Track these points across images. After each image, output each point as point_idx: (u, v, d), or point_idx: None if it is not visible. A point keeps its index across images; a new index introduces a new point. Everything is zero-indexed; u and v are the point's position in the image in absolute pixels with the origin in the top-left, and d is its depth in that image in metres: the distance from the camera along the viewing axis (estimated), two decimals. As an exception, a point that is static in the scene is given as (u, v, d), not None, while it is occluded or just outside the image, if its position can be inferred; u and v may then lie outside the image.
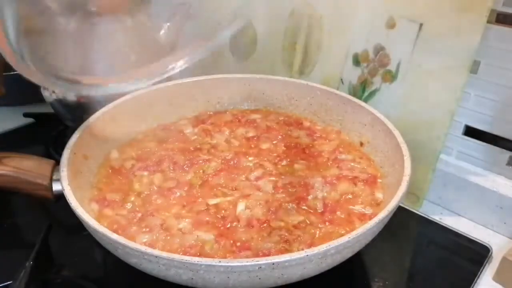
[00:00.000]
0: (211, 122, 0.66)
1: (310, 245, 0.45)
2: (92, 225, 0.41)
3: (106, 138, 0.58)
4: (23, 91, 0.82)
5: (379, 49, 0.62)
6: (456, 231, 0.58)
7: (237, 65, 0.78)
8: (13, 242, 0.58)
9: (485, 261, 0.54)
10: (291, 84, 0.67)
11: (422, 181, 0.60)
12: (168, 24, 0.74)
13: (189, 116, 0.67)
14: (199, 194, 0.52)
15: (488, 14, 0.51)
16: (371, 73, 0.63)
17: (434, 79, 0.57)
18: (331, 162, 0.57)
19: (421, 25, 0.57)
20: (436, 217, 0.61)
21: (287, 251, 0.44)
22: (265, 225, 0.47)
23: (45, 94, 0.71)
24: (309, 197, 0.51)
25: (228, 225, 0.47)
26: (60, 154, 0.50)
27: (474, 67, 0.56)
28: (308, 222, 0.48)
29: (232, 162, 0.57)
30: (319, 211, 0.49)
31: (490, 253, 0.55)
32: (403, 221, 0.60)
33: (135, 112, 0.62)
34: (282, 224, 0.47)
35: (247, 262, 0.37)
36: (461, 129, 0.61)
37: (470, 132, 0.61)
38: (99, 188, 0.53)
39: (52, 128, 0.77)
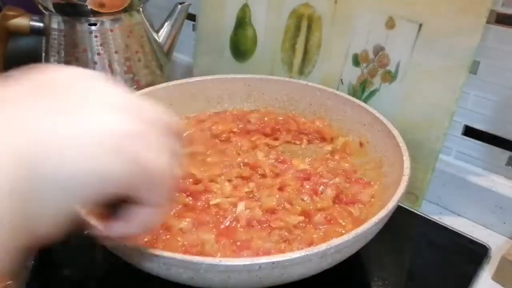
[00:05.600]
0: (211, 122, 0.66)
1: (310, 245, 0.45)
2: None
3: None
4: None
5: (378, 50, 0.62)
6: (455, 230, 0.58)
7: (237, 65, 0.78)
8: (14, 242, 0.58)
9: (484, 261, 0.54)
10: (291, 84, 0.67)
11: (421, 181, 0.60)
12: (168, 23, 0.74)
13: (189, 116, 0.67)
14: (199, 193, 0.52)
15: (487, 14, 0.52)
16: (371, 74, 0.63)
17: (433, 79, 0.57)
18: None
19: (420, 25, 0.57)
20: (435, 217, 0.61)
21: (287, 250, 0.44)
22: (265, 225, 0.47)
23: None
24: (308, 197, 0.51)
25: (227, 223, 0.48)
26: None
27: (474, 67, 0.57)
28: (308, 222, 0.48)
29: (232, 162, 0.57)
30: (319, 210, 0.50)
31: (489, 253, 0.55)
32: (403, 221, 0.60)
33: (135, 112, 0.62)
34: (282, 224, 0.47)
35: (247, 261, 0.37)
36: (461, 129, 0.61)
37: (470, 132, 0.61)
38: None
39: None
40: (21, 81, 0.23)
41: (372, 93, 0.64)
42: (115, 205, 0.27)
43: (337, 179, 0.54)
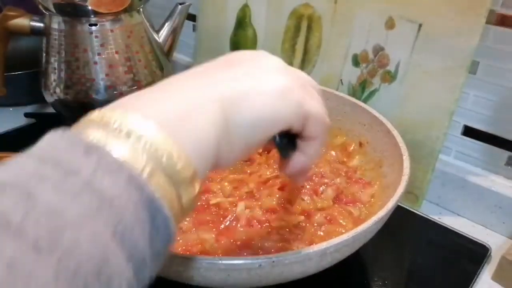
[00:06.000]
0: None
1: (310, 244, 0.45)
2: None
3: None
4: (24, 91, 0.83)
5: (378, 50, 0.62)
6: (455, 230, 0.58)
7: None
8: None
9: (484, 261, 0.54)
10: (291, 84, 0.67)
11: (421, 181, 0.60)
12: (168, 23, 0.75)
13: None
14: (199, 193, 0.52)
15: (487, 14, 0.52)
16: (371, 74, 0.63)
17: (433, 80, 0.57)
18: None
19: (420, 25, 0.57)
20: (435, 217, 0.61)
21: (287, 249, 0.44)
22: (265, 224, 0.48)
23: (47, 94, 0.72)
24: (308, 197, 0.51)
25: (227, 223, 0.48)
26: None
27: (473, 68, 0.57)
28: (308, 221, 0.48)
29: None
30: (319, 210, 0.50)
31: (489, 253, 0.55)
32: (402, 221, 0.60)
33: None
34: (283, 223, 0.48)
35: (247, 260, 0.37)
36: (460, 129, 0.61)
37: (469, 132, 0.61)
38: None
39: (53, 128, 0.77)
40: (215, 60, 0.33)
41: (372, 93, 0.64)
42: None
43: (337, 179, 0.54)
